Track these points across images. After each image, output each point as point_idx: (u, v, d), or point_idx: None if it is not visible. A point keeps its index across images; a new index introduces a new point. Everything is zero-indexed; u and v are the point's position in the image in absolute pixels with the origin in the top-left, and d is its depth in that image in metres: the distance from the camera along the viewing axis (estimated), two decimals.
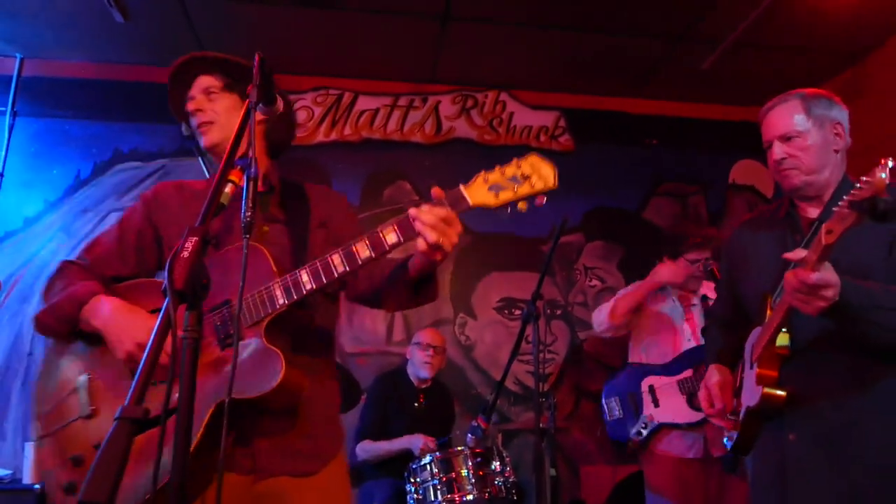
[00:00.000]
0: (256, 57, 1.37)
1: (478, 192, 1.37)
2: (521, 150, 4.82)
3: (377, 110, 4.44)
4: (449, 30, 3.92)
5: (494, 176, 1.37)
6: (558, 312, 4.36)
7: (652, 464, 2.98)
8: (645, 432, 2.93)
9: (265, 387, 1.33)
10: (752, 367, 1.74)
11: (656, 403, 2.97)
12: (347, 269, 1.38)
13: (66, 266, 1.62)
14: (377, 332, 4.14)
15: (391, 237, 1.37)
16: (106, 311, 1.44)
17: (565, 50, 4.14)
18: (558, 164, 4.59)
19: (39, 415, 1.50)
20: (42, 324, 1.51)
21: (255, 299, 1.41)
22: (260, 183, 1.65)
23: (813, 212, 1.83)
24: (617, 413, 3.08)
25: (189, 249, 1.04)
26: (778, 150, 1.82)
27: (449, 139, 4.50)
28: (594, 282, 4.45)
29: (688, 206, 4.71)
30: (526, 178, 1.35)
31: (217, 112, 1.63)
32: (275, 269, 1.43)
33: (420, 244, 1.35)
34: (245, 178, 1.26)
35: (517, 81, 4.55)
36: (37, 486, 3.28)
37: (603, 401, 3.16)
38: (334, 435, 1.61)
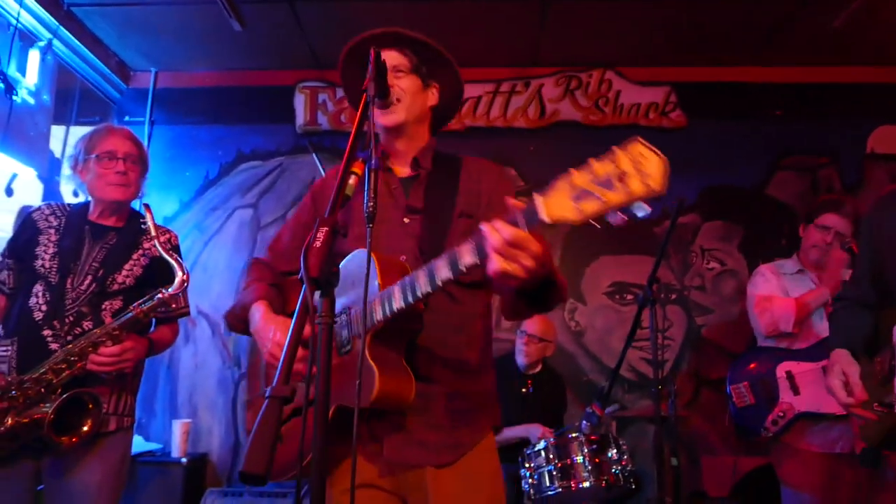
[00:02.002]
0: (372, 52, 1.42)
1: (558, 202, 1.06)
2: (629, 130, 4.66)
3: (479, 98, 4.44)
4: (550, 10, 3.84)
5: (581, 178, 1.05)
6: (673, 297, 4.18)
7: (791, 458, 2.74)
8: (782, 422, 2.71)
9: (363, 401, 1.35)
10: None
11: (796, 391, 2.73)
12: (430, 289, 1.31)
13: (253, 263, 1.83)
14: None
15: (468, 258, 1.23)
16: (255, 320, 1.59)
17: (676, 20, 3.92)
18: (670, 141, 4.41)
19: (249, 380, 1.80)
20: (228, 323, 1.74)
21: (358, 312, 1.48)
22: (409, 167, 1.69)
23: None
24: (747, 400, 2.85)
25: (321, 239, 1.10)
26: None
27: (553, 122, 4.42)
28: (712, 264, 4.22)
29: (818, 179, 4.33)
30: (622, 178, 1.00)
31: (403, 90, 1.60)
32: (380, 280, 1.42)
33: (488, 268, 1.17)
34: (366, 169, 1.32)
35: (623, 58, 4.37)
36: (183, 458, 3.64)
37: (729, 387, 2.94)
38: (477, 424, 1.57)
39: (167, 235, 2.42)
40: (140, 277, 2.31)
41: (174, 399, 4.17)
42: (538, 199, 1.09)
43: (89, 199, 2.38)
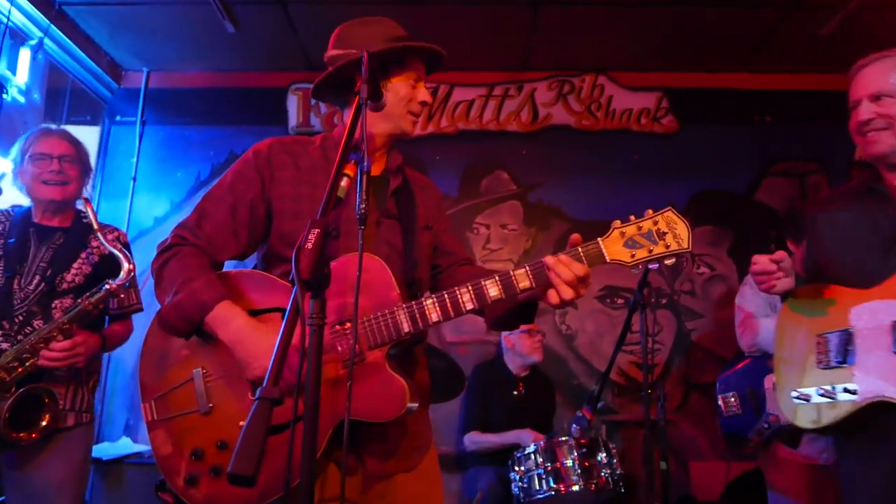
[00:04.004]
0: (364, 55, 1.42)
1: (614, 246, 1.36)
2: (621, 135, 4.65)
3: (472, 101, 4.46)
4: (542, 14, 3.86)
5: (630, 230, 1.36)
6: (664, 301, 4.20)
7: (777, 467, 2.76)
8: (768, 433, 2.73)
9: (389, 415, 1.34)
10: None
11: None
12: (476, 306, 1.38)
13: (180, 245, 1.53)
14: (477, 321, 4.15)
15: (524, 282, 1.37)
16: (234, 329, 1.39)
17: (667, 26, 3.95)
18: (661, 146, 4.44)
19: (148, 397, 1.50)
20: (166, 323, 1.44)
21: (378, 322, 1.38)
22: (381, 167, 1.65)
23: None
24: (735, 409, 2.88)
25: (312, 241, 1.10)
26: (865, 110, 1.70)
27: (546, 126, 4.43)
28: (702, 269, 4.24)
29: (806, 185, 4.38)
30: (662, 236, 1.34)
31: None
32: (398, 290, 1.40)
33: (551, 297, 1.36)
34: (359, 171, 1.32)
35: (615, 63, 4.40)
36: None
37: (718, 395, 2.97)
38: (427, 425, 1.63)
39: (115, 234, 2.44)
40: (90, 275, 2.33)
41: None
42: (600, 243, 1.37)
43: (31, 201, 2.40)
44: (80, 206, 2.36)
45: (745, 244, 4.24)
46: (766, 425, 2.74)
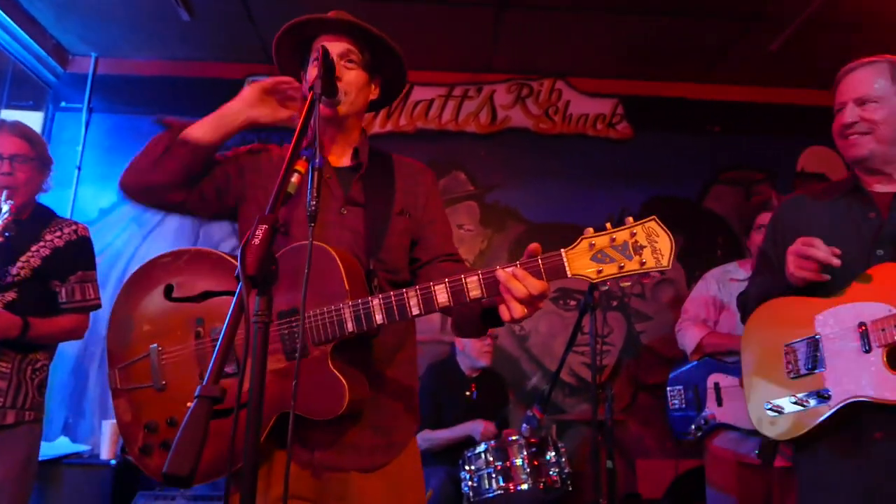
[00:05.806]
0: (321, 48, 1.41)
1: (580, 259, 1.21)
2: (577, 140, 4.69)
3: (432, 101, 4.46)
4: (505, 17, 3.89)
5: (602, 241, 1.20)
6: (614, 304, 4.29)
7: (713, 462, 2.90)
8: (705, 428, 2.85)
9: (328, 413, 1.31)
10: (867, 352, 1.60)
11: (720, 402, 2.87)
12: (422, 312, 1.31)
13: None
14: (431, 320, 4.18)
15: (475, 291, 1.26)
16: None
17: (625, 35, 4.04)
18: (616, 152, 4.50)
19: (114, 365, 1.53)
20: (136, 169, 1.54)
21: (323, 319, 1.34)
22: (346, 158, 1.63)
23: (881, 187, 1.75)
24: (677, 404, 3.00)
25: (259, 237, 1.08)
26: (850, 113, 1.72)
27: (504, 128, 4.48)
28: (653, 273, 4.35)
29: (752, 194, 4.55)
30: (638, 250, 1.18)
31: (350, 84, 1.54)
32: (347, 286, 1.34)
33: (502, 313, 1.25)
34: (310, 168, 1.30)
35: (574, 69, 4.48)
36: (113, 461, 3.50)
37: (667, 389, 3.10)
38: (409, 423, 1.57)
39: (74, 227, 2.44)
40: (38, 269, 2.25)
41: (105, 398, 3.99)
42: (563, 255, 1.22)
43: None
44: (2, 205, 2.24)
45: (694, 249, 4.37)
46: (703, 421, 2.86)
